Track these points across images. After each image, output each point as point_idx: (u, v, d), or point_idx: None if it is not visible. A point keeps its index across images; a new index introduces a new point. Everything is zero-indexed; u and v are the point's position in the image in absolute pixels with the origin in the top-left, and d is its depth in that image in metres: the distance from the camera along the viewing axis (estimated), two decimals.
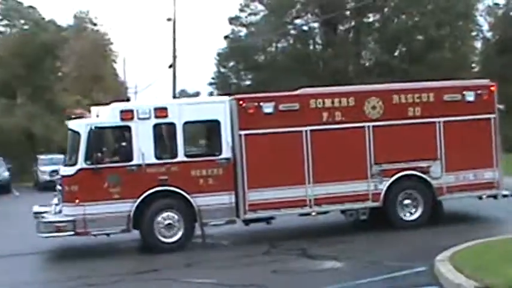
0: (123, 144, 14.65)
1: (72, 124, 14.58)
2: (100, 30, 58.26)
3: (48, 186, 28.30)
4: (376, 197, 15.34)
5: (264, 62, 55.20)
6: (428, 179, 15.56)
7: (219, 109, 14.87)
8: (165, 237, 14.46)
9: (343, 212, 15.63)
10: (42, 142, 45.97)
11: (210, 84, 59.00)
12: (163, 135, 14.84)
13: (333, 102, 15.24)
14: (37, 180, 38.10)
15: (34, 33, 48.59)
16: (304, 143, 15.00)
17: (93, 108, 15.15)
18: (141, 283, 12.21)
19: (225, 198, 14.64)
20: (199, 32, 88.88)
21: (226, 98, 15.45)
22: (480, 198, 16.16)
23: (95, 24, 58.29)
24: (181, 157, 14.54)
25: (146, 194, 14.25)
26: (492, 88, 16.27)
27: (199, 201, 14.48)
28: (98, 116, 14.79)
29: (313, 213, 15.36)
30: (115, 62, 61.09)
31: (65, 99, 46.55)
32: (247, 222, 15.20)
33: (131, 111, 14.47)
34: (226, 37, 56.15)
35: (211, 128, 15.04)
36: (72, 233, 14.24)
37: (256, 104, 14.90)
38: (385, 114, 15.43)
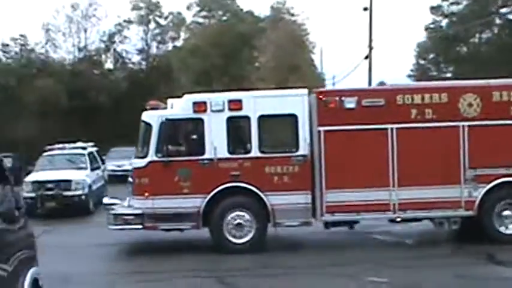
0: (196, 137, 14.00)
1: (145, 115, 14.12)
2: (297, 21, 57.90)
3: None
4: (470, 205, 13.78)
5: (466, 53, 52.60)
6: None
7: (297, 103, 13.91)
8: (234, 237, 13.74)
9: (432, 219, 14.24)
10: None
11: (409, 76, 57.02)
12: (237, 129, 14.09)
13: (423, 99, 13.83)
14: None
15: (232, 24, 49.73)
16: (389, 142, 13.72)
17: (169, 100, 14.71)
18: (314, 276, 11.78)
19: (301, 198, 13.68)
20: (398, 22, 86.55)
21: (305, 91, 14.44)
22: None
23: (292, 15, 58.12)
24: (255, 152, 13.75)
25: (217, 190, 13.61)
26: None
27: (273, 199, 13.64)
28: (172, 107, 14.33)
29: (398, 219, 14.09)
30: (312, 53, 60.30)
31: (261, 89, 46.79)
32: (328, 225, 14.21)
33: (204, 103, 13.84)
34: (426, 28, 54.07)
35: (288, 122, 14.03)
36: (140, 226, 13.88)
37: (337, 98, 13.82)
38: (483, 112, 13.82)
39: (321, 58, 61.27)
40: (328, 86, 57.14)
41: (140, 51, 50.76)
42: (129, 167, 28.92)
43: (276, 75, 50.05)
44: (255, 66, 51.84)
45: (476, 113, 13.86)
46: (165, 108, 14.54)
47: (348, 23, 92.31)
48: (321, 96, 13.89)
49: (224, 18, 52.36)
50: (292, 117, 13.85)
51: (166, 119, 13.67)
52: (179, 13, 52.05)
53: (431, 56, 55.07)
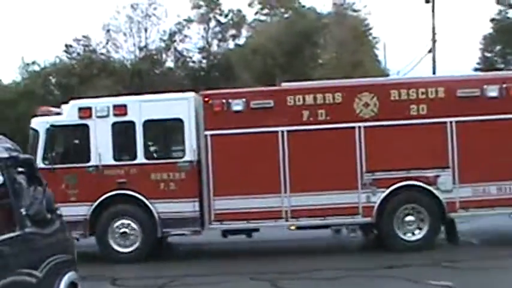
0: (81, 143, 13.81)
1: (33, 122, 14.01)
2: (360, 16, 56.02)
3: None
4: (368, 211, 13.04)
5: None
6: (436, 191, 12.89)
7: (183, 106, 13.50)
8: (120, 245, 13.39)
9: (328, 227, 13.40)
10: None
11: (475, 70, 52.88)
12: (123, 135, 13.73)
13: (315, 99, 13.14)
14: None
15: (294, 21, 49.43)
16: (279, 146, 13.12)
17: (63, 105, 14.49)
18: (371, 279, 11.42)
19: (188, 206, 13.25)
20: (462, 13, 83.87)
21: (191, 94, 13.94)
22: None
23: (354, 11, 56.55)
24: (140, 159, 13.43)
25: (103, 198, 13.32)
26: None
27: (160, 207, 13.22)
28: (61, 113, 14.13)
29: (292, 227, 13.29)
30: (375, 48, 57.92)
31: None
32: (225, 233, 13.63)
33: (89, 108, 13.62)
34: (492, 19, 51.35)
35: (174, 127, 13.62)
36: None
37: (223, 100, 13.33)
38: (381, 113, 13.05)
39: (384, 53, 59.13)
40: None
41: (201, 49, 50.96)
42: None
43: (340, 72, 48.71)
44: (318, 64, 50.75)
45: (374, 114, 13.09)
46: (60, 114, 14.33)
47: (410, 16, 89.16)
48: (206, 99, 13.37)
49: (286, 15, 51.55)
50: (178, 122, 13.43)
51: (52, 126, 13.48)
52: (239, 10, 51.90)
53: (497, 48, 51.95)
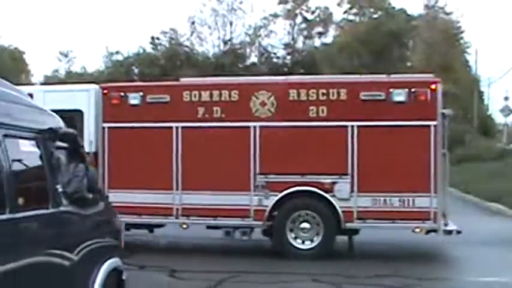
0: None
1: None
2: (451, 19, 54.51)
3: None
4: (260, 214, 12.17)
5: None
6: (332, 199, 11.89)
7: (83, 98, 13.21)
8: None
9: (219, 228, 12.80)
10: None
11: None
12: None
13: (211, 96, 12.45)
14: None
15: (383, 22, 48.80)
16: (173, 142, 12.55)
17: None
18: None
19: None
20: None
21: (93, 86, 13.53)
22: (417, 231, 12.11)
23: (446, 14, 54.92)
24: None
25: None
26: (433, 86, 12.03)
27: None
28: None
29: (184, 226, 12.72)
30: (466, 53, 56.20)
31: None
32: (128, 227, 12.94)
33: None
34: None
35: (75, 118, 12.78)
36: None
37: (121, 93, 12.83)
38: (278, 113, 12.16)
39: (475, 58, 56.88)
40: (484, 89, 54.04)
41: (286, 45, 50.38)
42: None
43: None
44: (406, 66, 49.42)
45: (270, 113, 12.23)
46: None
47: (504, 22, 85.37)
48: (105, 92, 12.96)
49: (375, 16, 50.45)
50: (79, 113, 12.94)
51: None
52: (326, 8, 51.08)
53: None
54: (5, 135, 5.13)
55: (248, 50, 50.33)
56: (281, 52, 50.71)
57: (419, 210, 11.85)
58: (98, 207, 6.69)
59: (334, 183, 12.00)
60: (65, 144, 6.27)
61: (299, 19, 50.79)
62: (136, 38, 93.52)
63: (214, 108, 12.50)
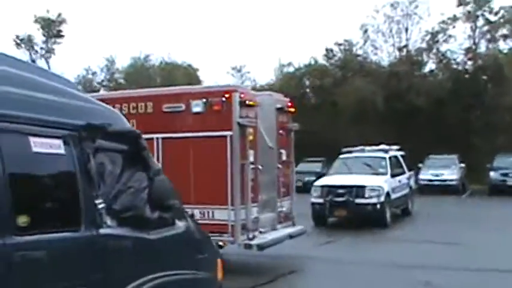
0: None
1: None
2: None
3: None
4: None
5: None
6: None
7: None
8: None
9: None
10: None
11: None
12: None
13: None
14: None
15: None
16: None
17: None
18: None
19: None
20: None
21: None
22: None
23: None
24: None
25: None
26: (227, 95, 12.11)
27: None
28: None
29: None
30: None
31: None
32: None
33: None
34: None
35: None
36: None
37: None
38: None
39: None
40: None
41: (466, 50, 46.86)
42: (447, 177, 26.24)
43: None
44: None
45: None
46: None
47: None
48: None
49: None
50: None
51: None
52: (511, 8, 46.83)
53: None
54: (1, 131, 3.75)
55: (425, 57, 47.39)
56: (461, 57, 47.26)
57: (218, 223, 11.79)
58: (173, 228, 5.13)
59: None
60: (119, 146, 4.82)
61: (481, 21, 47.15)
62: (309, 48, 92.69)
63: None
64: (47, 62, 59.54)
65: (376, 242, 17.64)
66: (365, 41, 47.40)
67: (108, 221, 4.39)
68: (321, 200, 20.71)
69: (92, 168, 4.32)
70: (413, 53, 47.24)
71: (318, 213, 20.92)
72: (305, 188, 24.42)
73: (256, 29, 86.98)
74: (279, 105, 14.43)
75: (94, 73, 59.33)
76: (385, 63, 47.65)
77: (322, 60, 48.00)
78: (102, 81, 59.38)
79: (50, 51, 58.63)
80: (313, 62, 47.87)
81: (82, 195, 4.21)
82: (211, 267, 5.70)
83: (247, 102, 12.48)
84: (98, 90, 57.49)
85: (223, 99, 12.17)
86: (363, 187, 20.46)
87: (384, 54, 47.87)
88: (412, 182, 25.26)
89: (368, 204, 20.19)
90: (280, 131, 14.41)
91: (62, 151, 4.17)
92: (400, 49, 47.50)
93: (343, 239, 18.20)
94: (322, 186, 21.14)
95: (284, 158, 14.59)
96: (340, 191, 20.57)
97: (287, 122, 14.83)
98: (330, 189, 20.83)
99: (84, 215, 4.19)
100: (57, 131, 4.18)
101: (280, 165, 14.30)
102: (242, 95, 12.41)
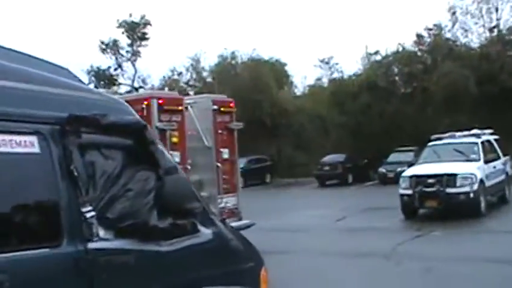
0: None
1: None
2: None
3: None
4: None
5: None
6: None
7: None
8: None
9: None
10: None
11: None
12: None
13: None
14: None
15: None
16: None
17: None
18: None
19: None
20: None
21: None
22: None
23: None
24: None
25: None
26: (146, 102, 13.43)
27: None
28: None
29: None
30: None
31: None
32: None
33: None
34: None
35: None
36: None
37: None
38: None
39: None
40: None
41: None
42: None
43: None
44: None
45: None
46: None
47: None
48: None
49: None
50: None
51: None
52: None
53: None
54: None
55: None
56: None
57: None
58: (196, 237, 4.30)
59: None
60: (118, 141, 4.03)
61: None
62: (396, 35, 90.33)
63: None
64: (134, 65, 60.12)
65: (471, 234, 16.58)
66: (454, 24, 45.40)
67: (101, 233, 3.63)
68: (409, 191, 19.63)
69: (76, 169, 3.56)
70: (505, 33, 44.81)
71: (407, 205, 19.86)
72: (397, 179, 23.26)
73: (342, 18, 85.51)
74: (215, 107, 15.30)
75: (180, 73, 59.31)
76: (475, 45, 45.49)
77: (410, 47, 46.10)
78: (189, 81, 59.34)
79: (135, 54, 59.05)
80: (401, 49, 46.06)
81: (63, 203, 3.48)
82: (252, 279, 4.81)
83: (165, 107, 13.54)
84: (185, 91, 57.67)
85: (143, 106, 13.04)
86: (454, 175, 19.31)
87: (474, 36, 45.78)
88: (508, 168, 23.69)
89: (460, 193, 19.00)
90: (220, 131, 15.26)
91: (35, 150, 3.43)
92: (490, 29, 45.29)
93: (434, 232, 17.14)
94: (411, 177, 20.08)
95: (226, 156, 15.38)
96: (430, 180, 19.45)
97: (229, 121, 15.61)
98: (419, 179, 19.75)
99: (66, 227, 3.45)
100: (29, 125, 3.43)
101: (219, 164, 15.06)
102: (161, 101, 13.52)
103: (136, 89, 61.06)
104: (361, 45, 73.65)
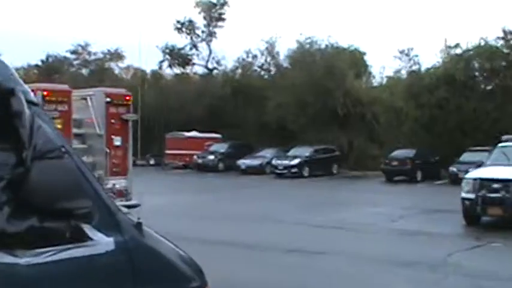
0: None
1: None
2: None
3: None
4: None
5: None
6: None
7: None
8: None
9: None
10: None
11: None
12: None
13: None
14: None
15: None
16: None
17: None
18: None
19: None
20: None
21: None
22: None
23: None
24: None
25: None
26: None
27: None
28: None
29: None
30: None
31: None
32: None
33: None
34: None
35: None
36: None
37: None
38: None
39: None
40: None
41: None
42: None
43: None
44: None
45: None
46: None
47: None
48: None
49: None
50: None
51: None
52: None
53: None
54: None
55: None
56: None
57: None
58: (82, 246, 3.18)
59: None
60: None
61: None
62: (478, 28, 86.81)
63: None
64: (209, 46, 59.47)
65: None
66: None
67: None
68: (472, 195, 17.98)
69: None
70: None
71: (468, 211, 18.22)
72: None
73: (423, 9, 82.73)
74: (108, 99, 17.68)
75: (255, 56, 58.27)
76: None
77: (493, 41, 43.63)
78: (263, 64, 58.27)
79: (211, 34, 58.40)
80: (483, 43, 43.69)
81: None
82: None
83: (47, 98, 15.58)
84: (259, 74, 56.51)
85: None
86: None
87: None
88: None
89: None
90: (112, 121, 17.59)
91: None
92: None
93: (494, 243, 15.47)
94: (475, 179, 18.33)
95: (118, 143, 17.69)
96: (495, 185, 17.74)
97: (124, 113, 17.95)
98: (483, 182, 18.04)
99: None
100: None
101: (108, 149, 17.38)
102: (45, 93, 15.75)
103: (211, 70, 60.50)
104: (441, 38, 70.99)
